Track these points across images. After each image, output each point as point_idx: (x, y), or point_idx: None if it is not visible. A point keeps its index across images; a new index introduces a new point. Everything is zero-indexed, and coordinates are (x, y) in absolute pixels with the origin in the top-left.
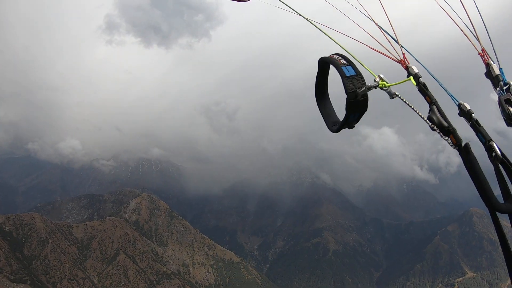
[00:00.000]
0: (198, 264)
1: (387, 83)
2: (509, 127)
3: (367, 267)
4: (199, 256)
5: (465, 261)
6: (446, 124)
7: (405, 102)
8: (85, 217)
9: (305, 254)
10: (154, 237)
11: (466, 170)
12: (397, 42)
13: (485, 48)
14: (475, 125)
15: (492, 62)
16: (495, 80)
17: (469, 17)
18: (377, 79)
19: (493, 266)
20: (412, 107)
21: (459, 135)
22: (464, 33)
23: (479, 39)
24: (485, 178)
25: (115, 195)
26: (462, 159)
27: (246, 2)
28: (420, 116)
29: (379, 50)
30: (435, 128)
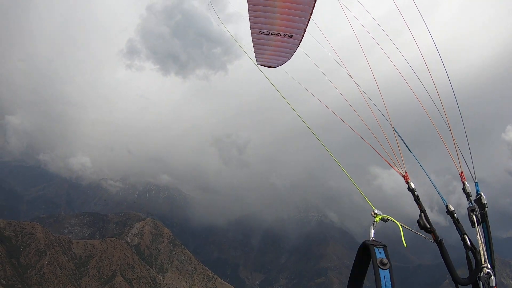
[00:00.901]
0: None
1: (380, 215)
2: (473, 227)
3: None
4: (198, 287)
5: None
6: (428, 226)
7: (395, 222)
8: (86, 235)
9: None
10: (154, 263)
11: (442, 258)
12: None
13: (463, 171)
14: (456, 222)
15: (467, 183)
16: (467, 195)
17: (455, 144)
18: (373, 214)
19: None
20: (405, 226)
21: (438, 234)
22: (450, 154)
23: (460, 164)
24: (451, 262)
25: (119, 217)
26: (439, 250)
27: (272, 68)
28: (407, 228)
29: (387, 160)
30: (418, 231)
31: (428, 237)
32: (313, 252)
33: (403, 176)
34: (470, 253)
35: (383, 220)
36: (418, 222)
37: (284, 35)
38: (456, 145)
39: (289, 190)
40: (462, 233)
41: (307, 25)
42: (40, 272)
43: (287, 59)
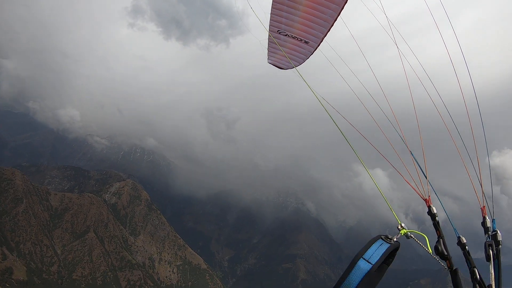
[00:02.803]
0: (165, 262)
1: (405, 230)
2: (488, 262)
3: None
4: (168, 254)
5: None
6: (446, 253)
7: (418, 242)
8: (66, 188)
9: (274, 277)
10: (128, 224)
11: (453, 286)
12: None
13: (485, 205)
14: (466, 255)
15: (487, 217)
16: (486, 229)
17: (480, 178)
18: (399, 227)
19: None
20: (422, 245)
21: (453, 262)
22: (474, 188)
23: (484, 198)
24: None
25: (100, 174)
26: (452, 278)
27: (283, 69)
28: (427, 250)
29: (410, 183)
30: (436, 256)
31: (443, 263)
32: (285, 238)
33: (425, 200)
34: (478, 286)
35: (406, 236)
36: (436, 248)
37: (301, 39)
38: (480, 180)
39: (271, 173)
40: (472, 266)
41: (326, 35)
42: (15, 219)
43: (299, 64)
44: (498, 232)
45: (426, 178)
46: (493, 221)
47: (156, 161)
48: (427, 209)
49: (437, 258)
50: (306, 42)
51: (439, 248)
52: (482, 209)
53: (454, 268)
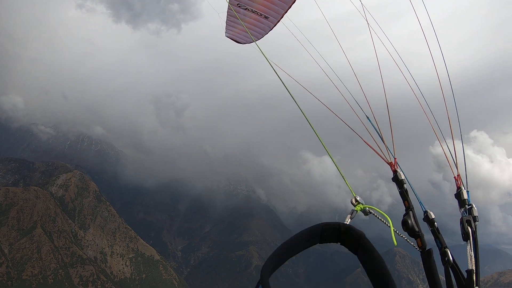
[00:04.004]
0: (117, 255)
1: (362, 205)
2: (465, 242)
3: (287, 287)
4: (119, 246)
5: None
6: (417, 229)
7: (378, 218)
8: (10, 182)
9: (228, 264)
10: (76, 218)
11: (424, 270)
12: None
13: (460, 174)
14: (436, 232)
15: (463, 187)
16: (462, 202)
17: (454, 147)
18: (354, 201)
19: None
20: (384, 221)
21: (425, 241)
22: (446, 156)
23: (457, 166)
24: (439, 279)
25: (46, 165)
26: (423, 261)
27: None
28: (390, 227)
29: (373, 147)
30: (402, 233)
31: (413, 242)
32: (237, 225)
33: (390, 164)
34: (451, 270)
35: (364, 212)
36: (405, 222)
37: (261, 14)
38: (454, 145)
39: (221, 161)
40: (443, 246)
41: (287, 11)
42: None
43: (257, 39)
44: (474, 206)
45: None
46: (467, 193)
47: (104, 151)
48: (392, 176)
49: (404, 236)
50: (266, 17)
51: (409, 222)
52: (456, 179)
53: (427, 249)
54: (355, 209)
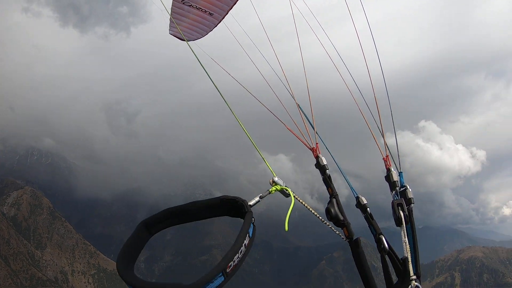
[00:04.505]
0: (78, 273)
1: (280, 186)
2: (398, 227)
3: (254, 287)
4: (80, 264)
5: (348, 285)
6: (341, 217)
7: (300, 201)
8: None
9: (193, 271)
10: (32, 238)
11: (354, 260)
12: (314, 131)
13: (389, 155)
14: (369, 218)
15: (392, 169)
16: (392, 184)
17: (381, 125)
18: (271, 182)
19: None
20: (306, 205)
21: (352, 230)
22: (374, 138)
23: (386, 147)
24: (369, 269)
25: None
26: (352, 251)
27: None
28: (313, 212)
29: (295, 132)
30: (326, 221)
31: (339, 232)
32: (198, 230)
33: (312, 150)
34: (387, 257)
35: (283, 193)
36: (328, 211)
37: (205, 11)
38: (381, 123)
39: (177, 167)
40: (377, 233)
41: (232, 7)
42: None
43: (201, 36)
44: (408, 187)
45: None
46: (400, 174)
47: (55, 164)
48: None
49: (329, 224)
50: (210, 14)
51: (332, 211)
52: (385, 160)
53: (354, 238)
54: (270, 190)
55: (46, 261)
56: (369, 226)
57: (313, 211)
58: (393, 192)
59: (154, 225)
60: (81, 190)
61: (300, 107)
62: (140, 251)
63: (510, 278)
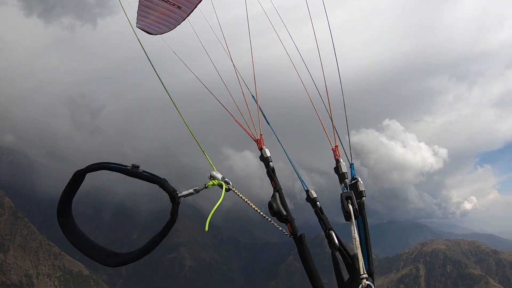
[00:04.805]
0: (43, 275)
1: (218, 180)
2: (347, 221)
3: (223, 284)
4: (45, 266)
5: None
6: (284, 213)
7: (240, 196)
8: None
9: (161, 269)
10: None
11: (299, 257)
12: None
13: (338, 145)
14: (319, 213)
15: (341, 160)
16: (341, 176)
17: (331, 114)
18: (209, 176)
19: None
20: (246, 200)
21: (296, 226)
22: (322, 125)
23: (336, 137)
24: (315, 266)
25: None
26: (297, 247)
27: (151, 35)
28: (254, 208)
29: (240, 123)
30: (269, 217)
31: (283, 228)
32: (269, 210)
33: (256, 141)
34: (338, 253)
35: (227, 188)
36: (270, 205)
37: (174, 4)
38: (331, 114)
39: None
40: (327, 227)
41: (200, 1)
42: None
43: (169, 29)
44: (360, 180)
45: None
46: (351, 166)
47: (17, 161)
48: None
49: (271, 219)
50: (178, 7)
51: (274, 205)
52: (334, 151)
53: (298, 234)
54: (207, 184)
55: (9, 264)
56: (319, 221)
57: (253, 206)
58: (342, 184)
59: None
60: (45, 188)
61: (254, 97)
62: (74, 195)
63: (473, 269)
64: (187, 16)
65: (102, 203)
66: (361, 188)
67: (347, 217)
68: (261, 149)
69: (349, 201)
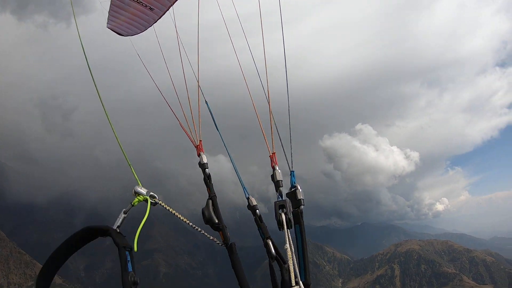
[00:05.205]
0: (14, 285)
1: (143, 196)
2: (280, 231)
3: None
4: (15, 275)
5: None
6: (216, 221)
7: (168, 209)
8: None
9: (137, 276)
10: None
11: (231, 265)
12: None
13: (276, 152)
14: (258, 221)
15: (277, 168)
16: (276, 184)
17: (271, 121)
18: (133, 193)
19: (318, 285)
20: (175, 213)
21: (228, 234)
22: (262, 131)
23: (273, 143)
24: (244, 275)
25: None
26: (229, 255)
27: (121, 36)
28: (183, 220)
29: (185, 128)
30: (198, 227)
31: (215, 237)
32: (140, 234)
33: (196, 147)
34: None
35: (152, 203)
36: (202, 213)
37: (146, 5)
38: (272, 119)
39: (114, 167)
40: (265, 236)
41: (173, 3)
42: None
43: (140, 31)
44: (299, 187)
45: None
46: (291, 173)
47: None
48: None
49: (201, 229)
50: (150, 9)
51: (206, 213)
52: (272, 157)
53: (229, 243)
54: (133, 202)
55: None
56: (258, 229)
57: (182, 218)
58: (277, 193)
59: (47, 278)
60: (14, 194)
61: (207, 102)
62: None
63: (446, 267)
64: (159, 18)
65: (75, 208)
66: (300, 196)
67: (279, 226)
68: (199, 155)
69: (282, 209)
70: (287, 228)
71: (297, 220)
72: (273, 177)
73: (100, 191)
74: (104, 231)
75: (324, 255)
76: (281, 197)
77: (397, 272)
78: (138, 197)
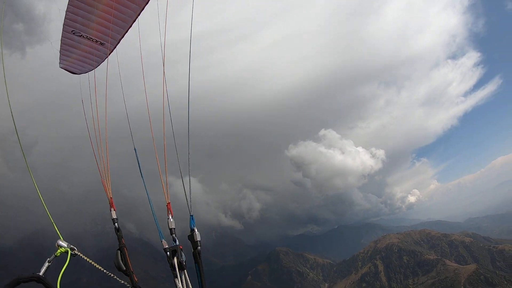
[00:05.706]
0: None
1: (64, 248)
2: (174, 274)
3: None
4: None
5: None
6: (124, 268)
7: (86, 259)
8: None
9: None
10: None
11: None
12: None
13: (170, 202)
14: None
15: (170, 217)
16: (170, 231)
17: (166, 167)
18: (56, 246)
19: None
20: (92, 262)
21: (134, 278)
22: (163, 184)
23: (168, 194)
24: None
25: None
26: None
27: (76, 74)
28: (98, 267)
29: (104, 182)
30: (111, 273)
31: (126, 280)
32: (115, 267)
33: (109, 199)
34: None
35: (72, 254)
36: (114, 263)
37: (96, 41)
38: (165, 165)
39: (81, 200)
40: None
41: (123, 36)
42: None
43: (93, 67)
44: (196, 231)
45: None
46: (191, 217)
47: None
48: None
49: (113, 274)
50: (102, 44)
51: (115, 262)
52: (168, 207)
53: (138, 286)
54: (56, 253)
55: None
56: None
57: (97, 265)
58: (173, 238)
59: None
60: None
61: (135, 150)
62: None
63: (428, 255)
64: (111, 52)
65: (45, 247)
66: (196, 238)
67: (172, 269)
68: (110, 210)
69: (174, 255)
70: (180, 269)
71: (196, 260)
72: (168, 225)
73: (70, 226)
74: (36, 280)
75: (306, 262)
76: (175, 242)
77: (380, 267)
78: (60, 249)
